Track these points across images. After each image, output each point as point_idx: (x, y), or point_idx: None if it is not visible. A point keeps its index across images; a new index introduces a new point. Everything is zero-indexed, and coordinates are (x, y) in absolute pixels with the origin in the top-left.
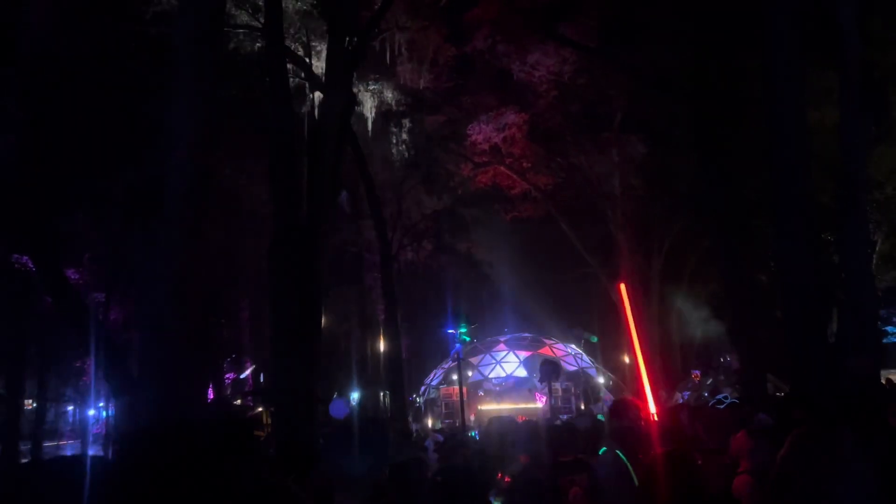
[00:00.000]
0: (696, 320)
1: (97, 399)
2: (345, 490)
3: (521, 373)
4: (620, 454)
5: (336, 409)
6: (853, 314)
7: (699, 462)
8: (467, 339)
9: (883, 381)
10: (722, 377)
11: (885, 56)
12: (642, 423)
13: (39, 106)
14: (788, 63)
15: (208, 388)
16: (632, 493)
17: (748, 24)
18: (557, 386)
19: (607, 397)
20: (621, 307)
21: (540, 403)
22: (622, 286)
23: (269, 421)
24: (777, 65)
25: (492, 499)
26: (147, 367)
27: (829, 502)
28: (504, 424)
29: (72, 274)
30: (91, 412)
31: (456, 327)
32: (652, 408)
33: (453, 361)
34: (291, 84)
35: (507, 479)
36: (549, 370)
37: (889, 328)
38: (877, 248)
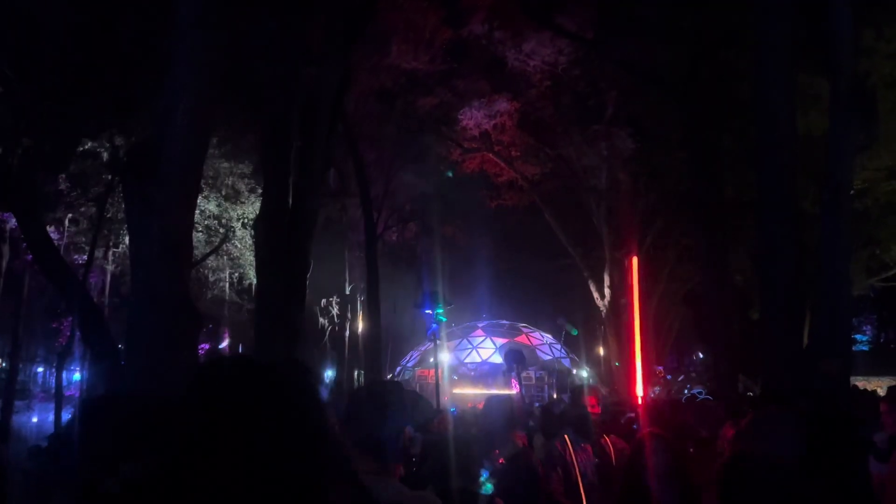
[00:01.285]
0: (672, 317)
1: (73, 362)
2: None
3: (497, 359)
4: (567, 439)
5: None
6: (828, 317)
7: (691, 450)
8: (444, 319)
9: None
10: (693, 374)
11: (875, 67)
12: (597, 410)
13: (28, 60)
14: (780, 66)
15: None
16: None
17: (742, 26)
18: (531, 374)
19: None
20: (627, 283)
21: (514, 390)
22: (634, 259)
23: None
24: (769, 67)
25: (485, 473)
26: (137, 332)
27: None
28: (500, 404)
29: (53, 234)
30: (76, 376)
31: (433, 307)
32: (639, 391)
33: (430, 342)
34: (287, 58)
35: (500, 459)
36: (515, 357)
37: (858, 336)
38: (852, 256)
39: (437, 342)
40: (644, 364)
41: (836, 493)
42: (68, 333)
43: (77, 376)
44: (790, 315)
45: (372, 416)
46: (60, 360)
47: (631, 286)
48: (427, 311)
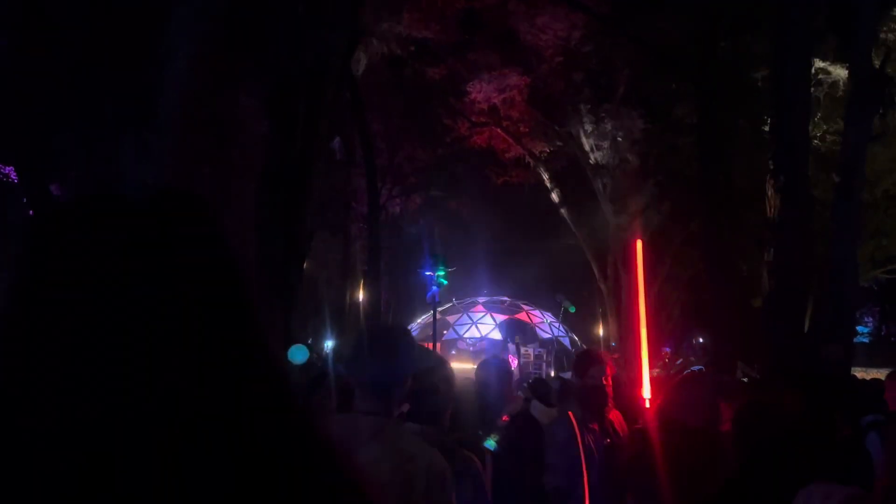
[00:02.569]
0: (674, 301)
1: None
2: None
3: (496, 335)
4: (572, 416)
5: (295, 355)
6: (834, 303)
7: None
8: (444, 282)
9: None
10: (692, 357)
11: (888, 58)
12: (609, 381)
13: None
14: (800, 52)
15: None
16: (575, 458)
17: (761, 9)
18: (529, 351)
19: (609, 356)
20: (630, 266)
21: (514, 366)
22: (639, 243)
23: None
24: (788, 53)
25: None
26: None
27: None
28: (496, 364)
29: (55, 190)
30: None
31: (434, 269)
32: (646, 389)
33: (429, 303)
34: (296, 20)
35: (505, 417)
36: (514, 329)
37: (859, 328)
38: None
39: (436, 306)
40: (649, 350)
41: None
42: None
43: None
44: (795, 299)
45: (379, 359)
46: None
47: (635, 270)
48: (428, 273)
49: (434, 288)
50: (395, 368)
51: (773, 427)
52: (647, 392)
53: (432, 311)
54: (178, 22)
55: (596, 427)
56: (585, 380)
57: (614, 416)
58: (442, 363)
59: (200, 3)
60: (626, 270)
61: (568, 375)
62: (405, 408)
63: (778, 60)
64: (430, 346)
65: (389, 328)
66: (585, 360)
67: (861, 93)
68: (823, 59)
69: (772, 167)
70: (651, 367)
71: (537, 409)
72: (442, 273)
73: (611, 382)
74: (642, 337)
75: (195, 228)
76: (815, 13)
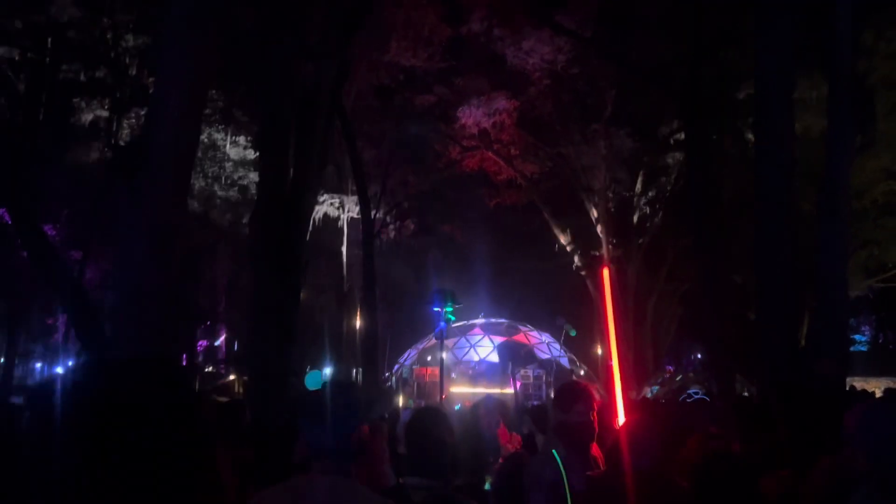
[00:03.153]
0: (671, 317)
1: (67, 357)
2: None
3: (495, 358)
4: (556, 455)
5: (312, 381)
6: (825, 317)
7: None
8: (453, 318)
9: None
10: (691, 374)
11: (875, 67)
12: (594, 416)
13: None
14: (780, 66)
15: (182, 351)
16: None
17: (742, 26)
18: (529, 373)
19: (595, 388)
20: (601, 294)
21: (512, 389)
22: (605, 271)
23: (242, 390)
24: (769, 67)
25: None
26: (122, 325)
27: None
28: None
29: (49, 230)
30: (58, 370)
31: (442, 305)
32: (620, 413)
33: (436, 339)
34: (285, 52)
35: (501, 459)
36: (512, 354)
37: (856, 336)
38: (851, 257)
39: (443, 340)
40: (624, 384)
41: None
42: (63, 330)
43: None
44: (786, 315)
45: (315, 425)
46: (54, 357)
47: (603, 298)
48: (436, 309)
49: (442, 324)
50: (333, 430)
51: (728, 481)
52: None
53: (440, 343)
54: (167, 69)
55: (579, 463)
56: (570, 416)
57: (595, 450)
58: (441, 416)
59: (189, 51)
60: (620, 287)
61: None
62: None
63: (760, 77)
64: (429, 370)
65: (338, 385)
66: (570, 394)
67: (841, 109)
68: (809, 75)
69: (756, 185)
70: (647, 384)
71: (541, 442)
72: (450, 309)
73: (596, 417)
74: (615, 367)
75: (175, 391)
76: (797, 30)
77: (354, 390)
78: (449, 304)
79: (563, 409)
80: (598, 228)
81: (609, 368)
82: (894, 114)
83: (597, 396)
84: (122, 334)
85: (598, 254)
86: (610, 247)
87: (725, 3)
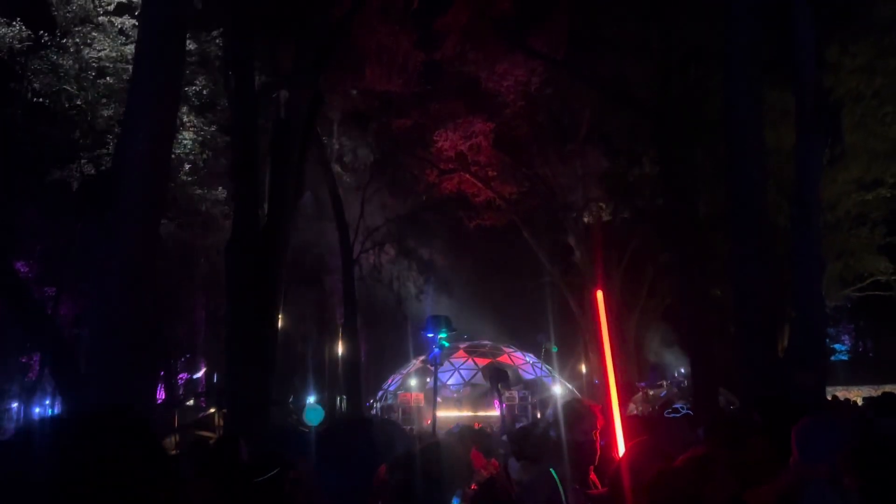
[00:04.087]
0: (653, 333)
1: (43, 396)
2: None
3: (480, 380)
4: (554, 474)
5: (313, 416)
6: (802, 329)
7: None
8: (447, 344)
9: (829, 398)
10: (676, 389)
11: (841, 81)
12: (597, 436)
13: None
14: (748, 83)
15: (157, 386)
16: None
17: (711, 43)
18: (514, 394)
19: (598, 408)
20: (586, 314)
21: (497, 411)
22: (599, 294)
23: (221, 423)
24: (736, 83)
25: (456, 500)
26: (95, 361)
27: None
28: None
29: (21, 267)
30: (37, 409)
31: (436, 332)
32: (619, 433)
33: (430, 366)
34: (257, 82)
35: (473, 486)
36: (497, 376)
37: (837, 346)
38: (826, 268)
39: (437, 365)
40: (620, 396)
41: None
42: (38, 368)
43: (50, 411)
44: (763, 328)
45: (334, 467)
46: (29, 396)
47: (598, 320)
48: (429, 335)
49: (436, 350)
50: (351, 474)
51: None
52: (621, 448)
53: (434, 370)
54: (136, 104)
55: (578, 486)
56: (574, 435)
57: (591, 472)
58: (439, 451)
59: (157, 86)
60: (587, 319)
61: (550, 415)
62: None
63: (727, 94)
64: (412, 396)
65: (346, 425)
66: (573, 413)
67: (807, 121)
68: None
69: (729, 199)
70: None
71: (514, 469)
72: (445, 335)
73: (598, 436)
74: (611, 389)
75: (138, 441)
76: (764, 45)
77: (372, 428)
78: (443, 330)
79: (568, 429)
80: (578, 247)
81: (594, 385)
82: (861, 127)
83: (601, 417)
84: (95, 371)
85: (579, 272)
86: (590, 264)
87: (693, 22)
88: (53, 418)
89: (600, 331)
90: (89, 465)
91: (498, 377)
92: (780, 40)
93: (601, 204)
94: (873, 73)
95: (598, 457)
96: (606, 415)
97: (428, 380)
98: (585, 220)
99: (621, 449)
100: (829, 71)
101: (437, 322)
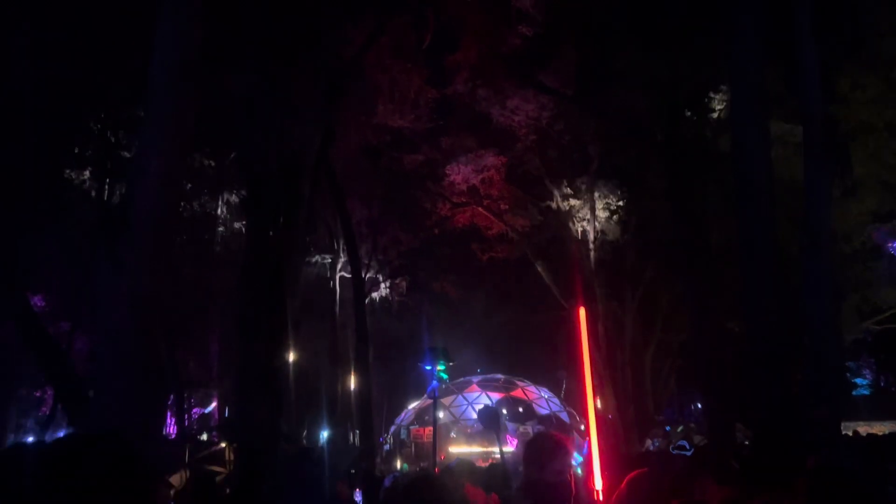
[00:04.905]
0: (669, 366)
1: (58, 430)
2: None
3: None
4: None
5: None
6: (817, 363)
7: None
8: (445, 377)
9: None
10: (693, 425)
11: (852, 113)
12: (571, 476)
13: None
14: (755, 117)
15: (165, 418)
16: None
17: (718, 76)
18: (529, 429)
19: (579, 442)
20: (577, 334)
21: (512, 447)
22: (581, 310)
23: (232, 457)
24: (743, 119)
25: None
26: (102, 394)
27: None
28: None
29: (38, 301)
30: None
31: (434, 364)
32: (597, 479)
33: (429, 399)
34: (270, 116)
35: None
36: (490, 422)
37: (858, 380)
38: (844, 300)
39: (436, 399)
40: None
41: None
42: (52, 402)
43: None
44: (776, 362)
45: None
46: (44, 430)
47: (579, 338)
48: (428, 368)
49: (434, 382)
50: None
51: None
52: (598, 482)
53: (433, 403)
54: (148, 137)
55: None
56: (546, 475)
57: None
58: (425, 484)
59: (169, 119)
60: (618, 338)
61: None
62: None
63: (734, 128)
64: (426, 430)
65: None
66: (545, 449)
67: (815, 152)
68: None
69: (739, 231)
70: (649, 437)
71: None
72: (443, 367)
73: (573, 476)
74: (591, 419)
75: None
76: (770, 79)
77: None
78: (441, 362)
79: (540, 466)
80: (591, 280)
81: (607, 421)
82: (875, 158)
83: (572, 451)
84: (104, 405)
85: (592, 304)
86: (604, 298)
87: (700, 56)
88: (34, 444)
89: (580, 351)
90: (61, 492)
91: (489, 423)
92: (787, 73)
93: (613, 237)
94: (884, 106)
95: (573, 499)
96: (608, 447)
97: (440, 414)
98: (598, 253)
99: (598, 484)
100: (840, 103)
101: (435, 354)
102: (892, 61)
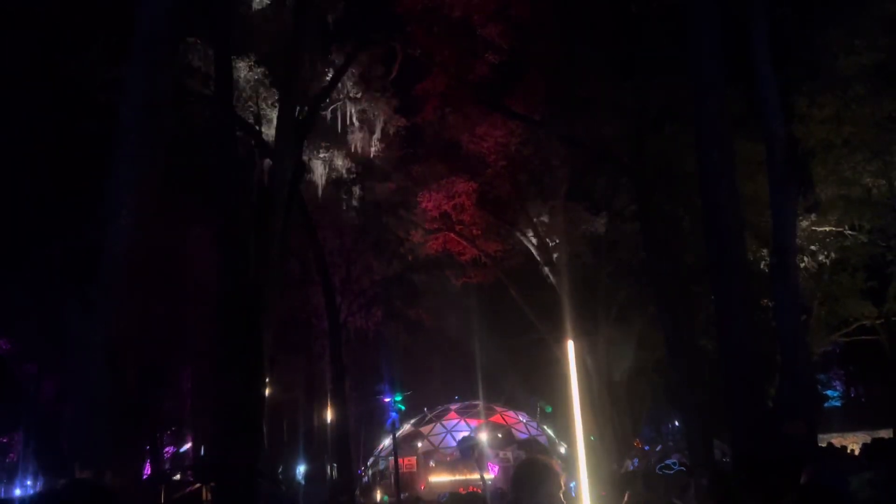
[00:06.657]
0: (645, 386)
1: (24, 476)
2: None
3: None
4: None
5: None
6: (789, 377)
7: None
8: (402, 408)
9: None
10: (671, 443)
11: (811, 132)
12: (562, 498)
13: None
14: (719, 140)
15: (142, 461)
16: None
17: (683, 100)
18: (509, 455)
19: (558, 465)
20: (566, 367)
21: (493, 474)
22: (569, 343)
23: (209, 496)
24: (708, 142)
25: None
26: (76, 438)
27: None
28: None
29: (2, 344)
30: (17, 492)
31: (392, 395)
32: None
33: (388, 430)
34: (241, 151)
35: None
36: (466, 452)
37: (829, 392)
38: (812, 314)
39: (396, 430)
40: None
41: None
42: (20, 447)
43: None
44: (750, 378)
45: None
46: (11, 476)
47: (568, 370)
48: (386, 399)
49: (393, 414)
50: None
51: None
52: None
53: (393, 443)
54: (119, 180)
55: None
56: (537, 499)
57: None
58: None
59: (141, 162)
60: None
61: None
62: None
63: (699, 151)
64: (406, 461)
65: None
66: (534, 473)
67: (779, 174)
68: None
69: (709, 251)
70: (629, 457)
71: None
72: (399, 398)
73: (563, 499)
74: (579, 448)
75: None
76: (732, 101)
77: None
78: (398, 394)
79: (530, 493)
80: (564, 302)
81: (590, 442)
82: (835, 174)
83: (562, 474)
84: (76, 448)
85: (566, 326)
86: (578, 320)
87: (665, 80)
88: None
89: (570, 384)
90: None
91: (468, 452)
92: (749, 95)
93: (585, 260)
94: (841, 123)
95: None
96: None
97: (419, 444)
98: (571, 276)
99: None
100: (800, 122)
101: (392, 385)
102: (847, 80)
